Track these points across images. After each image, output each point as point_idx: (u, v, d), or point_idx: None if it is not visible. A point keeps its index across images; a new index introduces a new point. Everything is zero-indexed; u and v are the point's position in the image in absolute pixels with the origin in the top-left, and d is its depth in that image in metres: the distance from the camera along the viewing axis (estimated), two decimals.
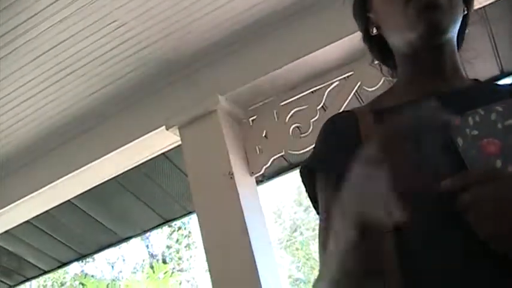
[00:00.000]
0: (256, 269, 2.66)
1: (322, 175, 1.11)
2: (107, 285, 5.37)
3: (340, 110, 2.86)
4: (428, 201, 0.93)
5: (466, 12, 1.21)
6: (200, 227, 2.90)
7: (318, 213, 1.13)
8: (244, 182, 2.93)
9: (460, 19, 1.17)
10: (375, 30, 1.23)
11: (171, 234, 14.39)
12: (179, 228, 14.33)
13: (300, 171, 1.17)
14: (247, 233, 2.72)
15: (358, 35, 2.98)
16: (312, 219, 16.52)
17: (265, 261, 2.76)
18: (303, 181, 1.17)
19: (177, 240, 14.41)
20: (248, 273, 2.68)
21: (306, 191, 1.16)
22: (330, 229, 0.99)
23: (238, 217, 2.77)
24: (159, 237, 14.58)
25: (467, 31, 1.25)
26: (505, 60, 3.32)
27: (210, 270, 2.80)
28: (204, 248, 2.84)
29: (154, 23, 2.75)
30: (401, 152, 0.84)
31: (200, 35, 2.92)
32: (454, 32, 1.16)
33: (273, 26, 2.93)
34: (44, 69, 2.91)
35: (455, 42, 1.19)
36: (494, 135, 0.94)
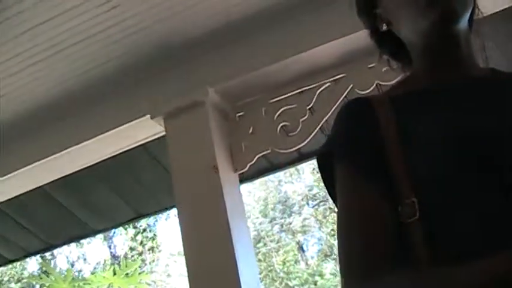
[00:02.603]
0: (237, 266, 2.58)
1: (342, 162, 1.07)
2: (72, 278, 5.25)
3: (332, 109, 2.88)
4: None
5: None
6: (180, 220, 2.81)
7: (335, 203, 1.09)
8: (227, 178, 2.85)
9: (473, 3, 1.15)
10: (384, 26, 1.21)
11: (135, 236, 14.24)
12: (144, 230, 14.20)
13: (318, 157, 1.14)
14: (229, 229, 2.64)
15: (352, 37, 2.95)
16: (275, 231, 16.54)
17: (245, 259, 2.69)
18: (319, 167, 1.13)
19: (141, 243, 14.25)
20: (227, 269, 2.61)
21: (323, 178, 1.12)
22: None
23: (220, 212, 2.70)
24: (122, 238, 14.42)
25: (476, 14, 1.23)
26: None
27: (187, 265, 2.71)
28: (183, 242, 2.75)
29: (149, 7, 2.67)
30: None
31: (193, 24, 2.85)
32: (467, 18, 1.13)
33: (267, 21, 2.88)
34: (36, 42, 2.78)
35: (468, 29, 1.17)
36: None
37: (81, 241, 12.16)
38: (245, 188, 3.41)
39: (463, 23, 1.12)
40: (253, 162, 2.96)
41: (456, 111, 1.03)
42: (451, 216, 0.93)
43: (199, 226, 2.76)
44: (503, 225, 0.89)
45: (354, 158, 1.05)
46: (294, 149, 2.97)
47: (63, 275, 5.76)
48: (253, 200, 15.97)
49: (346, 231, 1.02)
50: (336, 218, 1.05)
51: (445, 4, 1.08)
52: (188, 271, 2.71)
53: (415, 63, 1.20)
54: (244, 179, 3.43)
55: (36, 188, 3.65)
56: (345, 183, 1.06)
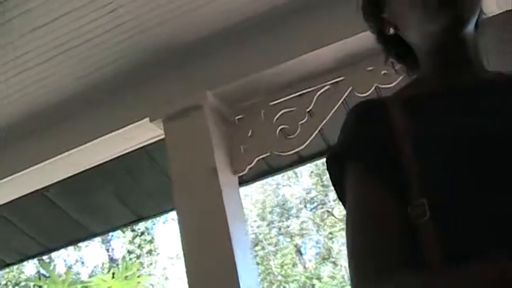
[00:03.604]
0: (236, 270, 2.58)
1: (353, 162, 1.06)
2: (70, 280, 5.24)
3: (331, 112, 2.89)
4: None
5: None
6: (179, 222, 2.81)
7: (343, 203, 1.09)
8: (226, 181, 2.85)
9: (480, 7, 1.15)
10: (391, 30, 1.21)
11: (133, 239, 14.22)
12: (142, 233, 14.18)
13: (328, 158, 1.13)
14: (229, 232, 2.64)
15: (351, 40, 2.95)
16: (273, 234, 16.54)
17: (245, 262, 2.68)
18: (328, 169, 1.12)
19: (139, 246, 14.24)
20: (227, 273, 2.60)
21: (331, 179, 1.12)
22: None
23: (220, 215, 2.70)
24: (120, 241, 14.39)
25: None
26: None
27: (187, 269, 2.70)
28: (182, 245, 2.75)
29: (150, 9, 2.67)
30: None
31: (194, 27, 2.85)
32: (474, 21, 1.14)
33: (267, 25, 2.88)
34: (37, 44, 2.79)
35: (475, 31, 1.17)
36: None
37: (79, 244, 12.15)
38: (243, 191, 3.39)
39: (471, 26, 1.13)
40: (252, 164, 2.96)
41: (466, 113, 1.04)
42: (462, 217, 0.93)
43: (198, 229, 2.76)
44: None
45: (365, 158, 1.05)
46: (293, 151, 2.97)
47: (61, 278, 5.75)
48: (250, 203, 15.96)
49: (355, 231, 1.01)
50: (345, 219, 1.04)
51: (454, 8, 1.08)
52: (187, 274, 2.70)
53: (423, 66, 1.20)
54: (243, 181, 3.43)
55: (34, 191, 3.64)
56: (355, 182, 1.05)
